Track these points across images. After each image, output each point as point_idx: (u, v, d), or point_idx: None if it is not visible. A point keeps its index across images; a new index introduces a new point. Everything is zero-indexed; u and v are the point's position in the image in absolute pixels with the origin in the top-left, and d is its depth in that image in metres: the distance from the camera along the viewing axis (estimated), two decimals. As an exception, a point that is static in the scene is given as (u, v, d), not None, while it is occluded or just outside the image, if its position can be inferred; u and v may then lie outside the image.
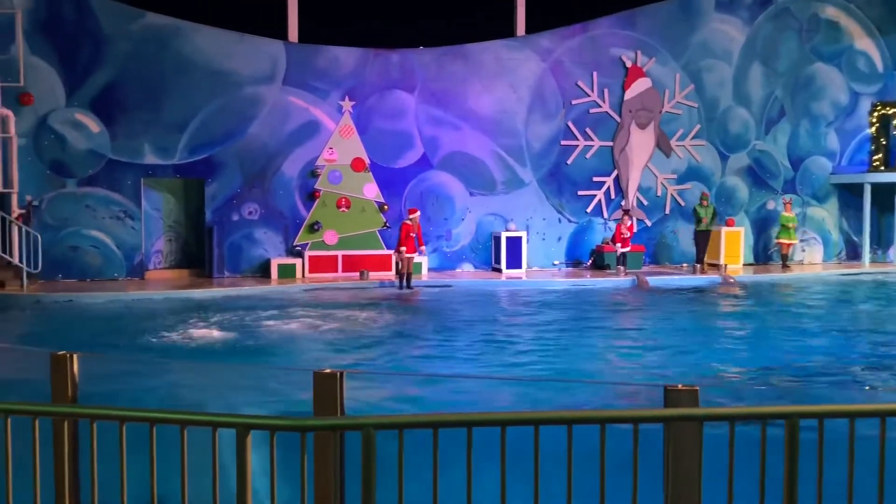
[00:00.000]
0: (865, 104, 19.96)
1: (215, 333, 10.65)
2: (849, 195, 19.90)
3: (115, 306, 13.32)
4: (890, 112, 19.45)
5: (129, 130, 15.81)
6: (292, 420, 2.73)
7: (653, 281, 16.24)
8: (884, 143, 19.36)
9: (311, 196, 16.78)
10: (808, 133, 19.80)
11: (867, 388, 7.93)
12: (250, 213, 16.53)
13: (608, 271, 17.50)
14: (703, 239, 18.04)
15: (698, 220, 18.00)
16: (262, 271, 16.41)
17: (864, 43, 20.02)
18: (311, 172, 16.78)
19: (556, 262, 18.33)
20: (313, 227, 16.70)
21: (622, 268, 17.33)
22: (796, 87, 19.66)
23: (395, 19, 17.89)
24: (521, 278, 16.76)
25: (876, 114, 19.61)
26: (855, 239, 19.96)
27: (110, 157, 15.76)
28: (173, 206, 16.87)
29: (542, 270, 17.88)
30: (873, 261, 19.42)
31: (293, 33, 16.99)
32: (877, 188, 19.24)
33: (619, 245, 17.36)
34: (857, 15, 19.94)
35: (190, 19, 16.08)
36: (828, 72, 19.80)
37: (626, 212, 18.08)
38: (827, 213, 20.03)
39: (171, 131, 16.02)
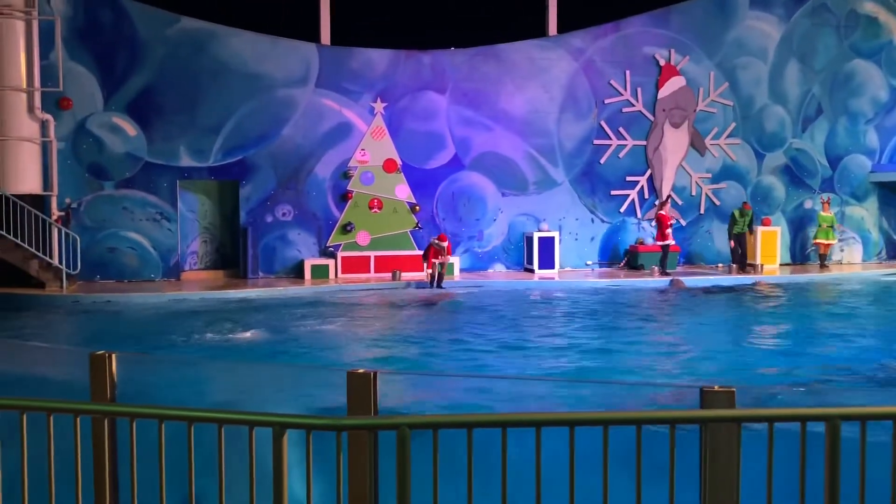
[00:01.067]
0: (906, 101, 19.55)
1: (250, 334, 10.76)
2: (889, 193, 19.51)
3: (153, 307, 13.53)
4: (932, 108, 19.02)
5: (165, 133, 16.05)
6: (328, 419, 2.75)
7: (689, 281, 16.02)
8: (925, 140, 18.94)
9: (343, 197, 16.88)
10: (846, 131, 19.44)
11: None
12: (284, 214, 16.68)
13: (643, 271, 17.34)
14: (737, 242, 17.72)
15: (732, 224, 17.66)
16: (296, 272, 16.54)
17: (905, 38, 19.61)
18: (344, 174, 16.88)
19: (589, 263, 18.22)
20: (346, 228, 16.80)
21: (656, 268, 17.16)
22: (834, 85, 19.31)
23: (427, 20, 17.92)
24: (553, 279, 16.68)
25: (917, 110, 19.19)
26: (895, 238, 19.55)
27: (147, 159, 16.01)
28: (208, 208, 17.08)
29: (574, 271, 17.78)
30: (915, 261, 19.01)
31: (325, 36, 17.11)
32: (918, 186, 18.84)
33: (669, 233, 16.81)
34: (897, 10, 19.54)
35: (224, 23, 16.28)
36: (867, 68, 19.43)
37: (669, 197, 17.70)
38: (866, 212, 19.64)
39: (206, 134, 16.23)
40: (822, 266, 18.09)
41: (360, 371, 4.33)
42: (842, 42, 19.28)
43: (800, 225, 19.10)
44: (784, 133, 19.11)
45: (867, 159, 19.60)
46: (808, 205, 19.17)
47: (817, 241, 18.35)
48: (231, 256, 17.02)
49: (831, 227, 18.20)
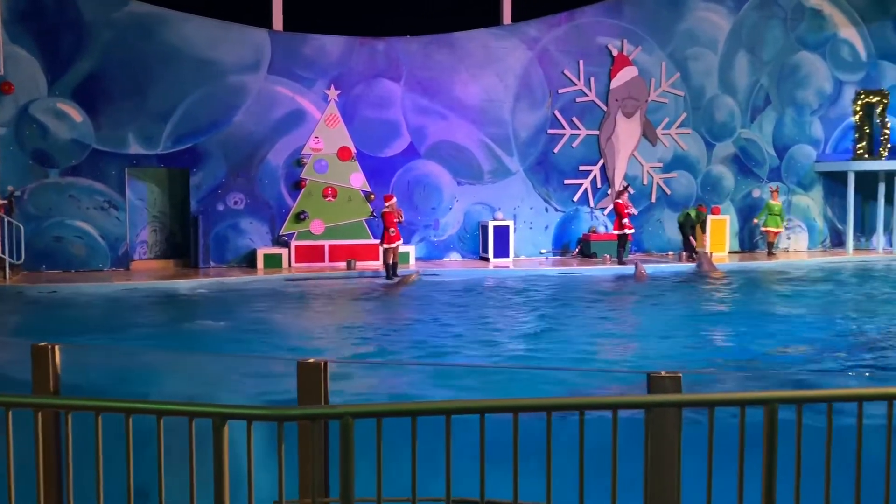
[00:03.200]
0: (849, 92, 20.05)
1: (200, 323, 10.61)
2: (833, 183, 20.02)
3: (101, 297, 13.23)
4: (873, 100, 19.55)
5: (113, 120, 15.67)
6: (269, 409, 2.72)
7: (649, 269, 16.16)
8: (867, 131, 19.47)
9: (297, 185, 16.71)
10: (793, 121, 19.88)
11: (851, 373, 7.99)
12: (236, 202, 16.45)
13: (595, 259, 17.53)
14: (688, 231, 18.00)
15: (687, 220, 17.93)
16: (248, 261, 16.34)
17: (848, 32, 20.10)
18: (297, 161, 16.70)
19: (543, 251, 18.35)
20: (299, 217, 16.63)
21: (608, 256, 17.36)
22: (781, 76, 19.72)
23: (381, 7, 17.79)
24: (508, 267, 16.77)
25: (860, 102, 19.71)
26: (839, 226, 20.09)
27: (94, 146, 15.62)
28: (158, 196, 16.75)
29: (529, 259, 17.90)
30: (857, 248, 19.56)
31: (278, 22, 16.87)
32: (860, 176, 19.36)
33: (626, 222, 16.95)
34: (841, 4, 20.00)
35: (174, 7, 15.93)
36: (812, 60, 19.88)
37: (627, 186, 17.87)
38: (812, 201, 20.14)
39: (155, 121, 15.89)
40: (770, 254, 18.50)
41: (310, 361, 4.30)
42: (788, 34, 19.68)
43: (749, 213, 19.49)
44: (733, 123, 19.46)
45: (813, 149, 20.08)
46: (756, 194, 19.57)
47: (766, 229, 18.75)
48: (182, 246, 16.73)
49: (779, 215, 18.60)
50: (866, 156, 19.39)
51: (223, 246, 16.40)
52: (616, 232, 17.26)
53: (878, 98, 19.57)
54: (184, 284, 14.25)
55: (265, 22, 16.70)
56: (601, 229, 18.45)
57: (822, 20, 19.88)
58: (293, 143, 16.68)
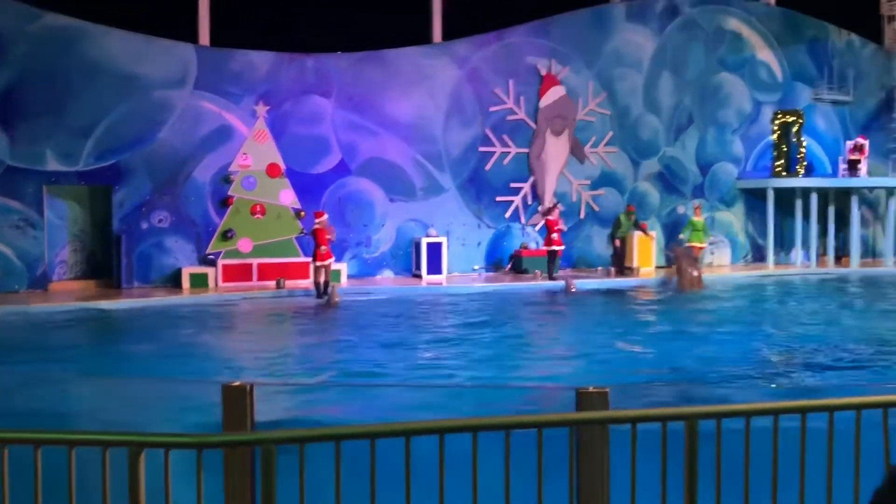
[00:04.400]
0: (767, 112, 20.86)
1: (122, 346, 10.25)
2: (754, 199, 20.73)
3: (16, 319, 12.66)
4: (790, 120, 20.37)
5: (30, 135, 15.09)
6: (187, 437, 2.62)
7: (578, 284, 16.36)
8: (785, 149, 20.26)
9: (224, 203, 16.38)
10: (714, 140, 20.54)
11: (773, 385, 8.23)
12: (160, 220, 16.01)
13: (527, 276, 17.70)
14: (621, 244, 18.36)
15: (617, 227, 18.32)
16: (173, 281, 15.90)
17: (765, 54, 20.94)
18: (225, 178, 16.38)
19: (476, 267, 18.43)
20: (226, 235, 16.28)
21: (539, 272, 17.54)
22: (704, 96, 20.38)
23: (311, 23, 17.69)
24: (441, 284, 16.77)
25: (777, 121, 20.51)
26: (760, 241, 20.79)
27: (9, 163, 15.00)
28: (78, 215, 16.18)
29: (462, 276, 17.94)
30: (777, 262, 20.27)
31: (205, 36, 16.59)
32: (779, 193, 20.11)
33: (556, 238, 17.15)
34: (758, 27, 20.84)
35: (94, 20, 15.49)
36: (732, 81, 20.61)
37: (555, 204, 18.09)
38: (734, 217, 20.81)
39: (75, 137, 15.37)
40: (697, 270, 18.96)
41: (236, 384, 4.18)
42: (710, 56, 20.38)
43: (674, 229, 19.98)
44: (658, 142, 19.99)
45: (734, 167, 20.78)
46: (680, 210, 20.10)
47: (689, 244, 19.22)
48: (103, 265, 16.17)
49: (702, 231, 19.12)
50: (784, 173, 20.16)
51: (147, 265, 15.93)
52: (546, 248, 17.48)
53: (794, 118, 20.40)
54: (105, 305, 13.76)
55: (191, 37, 16.39)
56: (532, 245, 18.66)
57: (741, 42, 20.67)
58: (220, 159, 16.37)
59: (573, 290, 15.83)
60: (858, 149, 20.40)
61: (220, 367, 9.20)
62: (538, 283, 16.77)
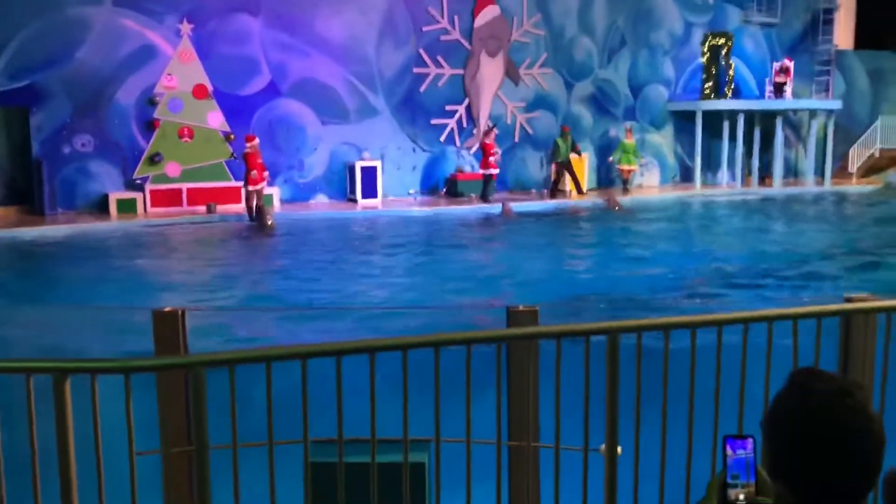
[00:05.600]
0: (698, 34, 21.02)
1: (47, 274, 9.99)
2: (683, 121, 21.08)
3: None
4: (719, 42, 20.60)
5: (-65, 54, 14.19)
6: (113, 362, 2.61)
7: (515, 207, 16.50)
8: (714, 71, 20.55)
9: (149, 126, 15.82)
10: (646, 62, 20.66)
11: (698, 301, 8.57)
12: (83, 144, 15.40)
13: (462, 199, 17.77)
14: (561, 168, 18.50)
15: (556, 151, 18.43)
16: (100, 207, 15.43)
17: (698, -25, 20.95)
18: (150, 100, 15.78)
19: (411, 192, 18.39)
20: (153, 159, 15.79)
21: (475, 196, 17.63)
22: (636, 17, 20.37)
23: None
24: (377, 208, 16.71)
25: (707, 44, 20.72)
26: (688, 163, 21.26)
27: (-87, 83, 14.13)
28: (-6, 139, 15.43)
29: (397, 200, 17.90)
30: (704, 183, 20.81)
31: (121, -52, 15.67)
32: (707, 115, 20.48)
33: (492, 161, 17.22)
34: (692, -53, 20.77)
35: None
36: (663, 2, 20.62)
37: (492, 127, 18.06)
38: (663, 139, 21.16)
39: (-16, 55, 14.52)
40: (625, 190, 19.36)
41: (167, 310, 4.15)
42: (643, -24, 20.26)
43: (606, 152, 20.23)
44: (591, 63, 20.00)
45: (665, 89, 21.01)
46: (612, 133, 20.32)
47: (620, 166, 19.57)
48: (24, 191, 15.55)
49: (633, 153, 19.43)
50: (713, 96, 20.50)
51: (71, 191, 15.39)
52: (482, 171, 17.53)
53: (724, 40, 20.64)
54: (28, 233, 13.31)
55: (107, -52, 15.46)
56: (467, 169, 18.67)
57: (674, -37, 20.60)
58: (144, 80, 15.72)
59: (510, 213, 15.99)
60: (784, 71, 20.84)
61: (152, 293, 9.07)
62: (474, 207, 16.87)
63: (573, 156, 18.80)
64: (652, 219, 15.83)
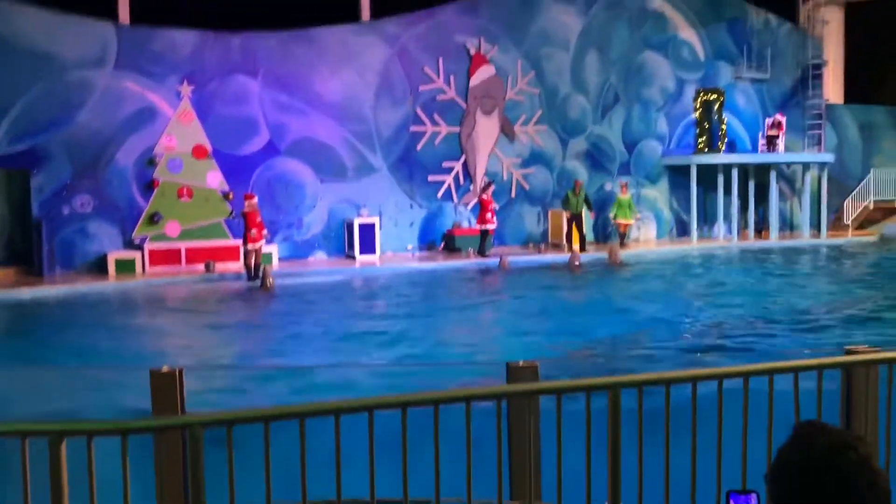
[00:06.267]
0: (690, 90, 21.39)
1: (43, 335, 9.94)
2: (677, 176, 21.29)
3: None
4: (711, 98, 20.95)
5: (-62, 118, 14.38)
6: (110, 423, 2.59)
7: (512, 261, 16.52)
8: (707, 126, 20.85)
9: (149, 186, 15.95)
10: (640, 118, 20.97)
11: (698, 354, 8.53)
12: (82, 205, 15.50)
13: (460, 254, 17.82)
14: (574, 222, 18.53)
15: (567, 204, 18.49)
16: (99, 267, 15.45)
17: (687, 33, 21.45)
18: (149, 161, 15.95)
19: (409, 247, 18.45)
20: (153, 219, 15.88)
21: (472, 250, 17.70)
22: (629, 74, 20.76)
23: (236, 1, 17.25)
24: (375, 264, 16.75)
25: (699, 99, 21.07)
26: (684, 217, 21.39)
27: (-84, 147, 14.28)
28: (-6, 200, 15.54)
29: (396, 255, 17.95)
30: (700, 237, 20.91)
31: (124, 14, 16.05)
32: (702, 169, 20.70)
33: (489, 217, 17.36)
34: (680, 7, 21.31)
35: (4, -3, 14.80)
36: (656, 60, 21.05)
37: (489, 183, 18.20)
38: (659, 193, 21.34)
39: (-13, 118, 14.72)
40: (623, 244, 19.42)
41: (165, 369, 4.12)
42: (634, 35, 20.75)
43: (602, 206, 20.37)
44: (585, 120, 20.30)
45: (658, 144, 21.28)
46: (608, 187, 20.50)
47: (617, 220, 19.68)
48: (24, 252, 15.59)
49: (629, 207, 19.57)
50: (706, 150, 20.76)
51: (70, 251, 15.42)
52: (479, 226, 17.63)
53: (716, 96, 20.99)
54: (25, 293, 13.29)
55: (110, 14, 15.82)
56: (465, 224, 18.78)
57: (664, 22, 21.10)
58: (144, 141, 15.92)
59: (507, 266, 16.01)
60: (776, 125, 21.14)
61: (150, 353, 9.02)
62: (471, 261, 16.91)
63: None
64: (650, 273, 15.86)
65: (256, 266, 14.67)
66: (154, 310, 12.21)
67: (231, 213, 16.33)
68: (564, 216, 18.74)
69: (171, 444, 3.80)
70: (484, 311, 12.02)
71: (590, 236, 19.96)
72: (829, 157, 21.72)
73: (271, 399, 6.01)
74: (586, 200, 18.61)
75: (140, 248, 15.67)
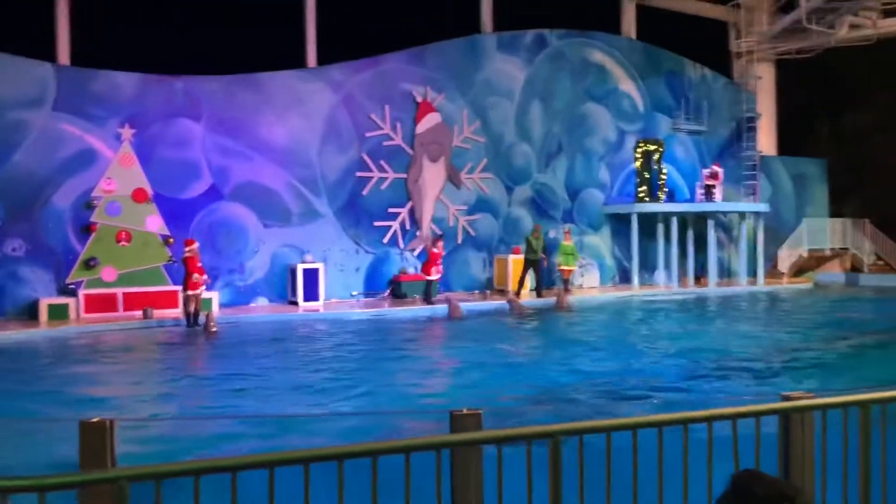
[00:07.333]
0: (630, 141, 21.97)
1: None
2: (619, 224, 21.70)
3: None
4: (651, 148, 21.53)
5: None
6: (27, 480, 2.44)
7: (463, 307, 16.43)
8: (647, 176, 21.38)
9: (86, 229, 15.53)
10: (582, 167, 21.41)
11: (643, 400, 8.57)
12: (14, 249, 14.99)
13: (406, 300, 17.74)
14: (531, 267, 18.67)
15: (529, 249, 18.65)
16: (30, 313, 14.89)
17: (628, 85, 22.11)
18: (87, 204, 15.56)
19: (354, 293, 18.30)
20: (89, 264, 15.42)
21: (418, 297, 17.64)
22: (572, 125, 21.23)
23: (180, 45, 17.14)
24: (319, 311, 16.53)
25: (640, 150, 21.63)
26: (626, 264, 21.76)
27: None
28: (-81, 243, 14.91)
29: (340, 302, 17.76)
30: (642, 283, 21.26)
31: (64, 56, 15.79)
32: (642, 217, 21.15)
33: (435, 269, 17.42)
34: (621, 60, 21.99)
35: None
36: (598, 111, 21.60)
37: (440, 236, 18.23)
38: (601, 241, 21.69)
39: (-85, 159, 14.21)
40: (566, 290, 19.61)
41: (94, 420, 3.94)
42: (576, 86, 21.29)
43: (546, 253, 20.54)
44: (530, 168, 20.62)
45: (600, 193, 21.71)
46: (552, 234, 20.76)
47: (561, 267, 19.89)
48: (-51, 298, 14.95)
49: (572, 254, 19.83)
50: (647, 199, 21.24)
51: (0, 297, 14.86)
52: (426, 277, 17.60)
53: (655, 147, 21.59)
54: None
55: (49, 55, 15.56)
56: (411, 271, 18.74)
57: (605, 74, 21.73)
58: (82, 184, 15.55)
59: (458, 310, 15.87)
60: (713, 175, 21.80)
61: (80, 403, 8.66)
62: (418, 308, 16.83)
63: (515, 257, 19.08)
64: (594, 319, 16.01)
65: (196, 313, 14.33)
66: (86, 358, 11.77)
67: (171, 258, 15.97)
68: (520, 260, 18.92)
69: (96, 500, 3.62)
70: (430, 358, 11.91)
71: (532, 282, 20.09)
72: (764, 207, 22.44)
73: (205, 451, 5.80)
74: (544, 248, 18.83)
75: (74, 293, 15.18)
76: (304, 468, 2.63)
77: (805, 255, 24.01)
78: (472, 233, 19.77)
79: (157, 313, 15.23)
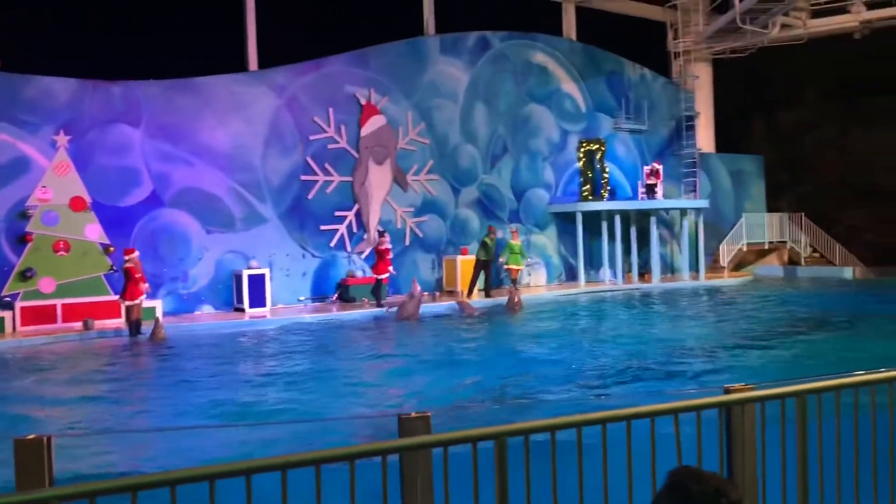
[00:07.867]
0: (574, 141, 22.25)
1: None
2: (564, 223, 21.95)
3: None
4: (593, 148, 21.83)
5: None
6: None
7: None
8: (590, 175, 21.68)
9: (21, 240, 15.05)
10: (527, 167, 21.60)
11: (593, 397, 8.67)
12: (-56, 262, 14.45)
13: (354, 303, 17.63)
14: (483, 268, 18.75)
15: (485, 250, 18.71)
16: (-37, 328, 14.36)
17: (570, 87, 22.39)
18: (22, 214, 15.08)
19: (301, 298, 18.12)
20: (25, 275, 14.94)
21: (366, 299, 17.55)
22: (515, 126, 21.40)
23: (117, 49, 16.75)
24: (265, 317, 16.32)
25: (582, 149, 21.92)
26: (572, 261, 22.02)
27: None
28: None
29: (288, 307, 17.57)
30: (588, 280, 21.54)
31: (-6, 60, 15.28)
32: (587, 216, 21.44)
33: (390, 268, 17.36)
34: (563, 62, 22.25)
35: None
36: (541, 112, 21.82)
37: (382, 233, 18.12)
38: (547, 240, 21.92)
39: None
40: (514, 289, 19.71)
41: (30, 437, 3.82)
42: (519, 88, 21.46)
43: (493, 253, 20.66)
44: (476, 169, 20.72)
45: (545, 192, 21.93)
46: (499, 234, 20.88)
47: (508, 266, 20.02)
48: None
49: (519, 253, 19.97)
50: (590, 197, 21.54)
51: (-71, 312, 14.28)
52: (376, 276, 17.46)
53: (598, 146, 21.90)
54: None
55: (-22, 60, 15.04)
56: (359, 274, 18.64)
57: (547, 76, 21.96)
58: (16, 193, 15.06)
59: (470, 311, 15.88)
60: (654, 173, 22.22)
61: (16, 420, 8.38)
62: (367, 311, 16.75)
63: (465, 258, 19.18)
64: (544, 317, 16.14)
65: (138, 322, 14.01)
66: (22, 372, 11.40)
67: (111, 267, 15.57)
68: (470, 261, 19.03)
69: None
70: (380, 362, 11.86)
71: (480, 282, 20.17)
72: (704, 203, 22.96)
73: (151, 465, 5.67)
74: (495, 248, 19.01)
75: (10, 306, 14.69)
76: (245, 479, 2.58)
77: (745, 249, 24.66)
78: (420, 234, 19.77)
79: (99, 324, 14.85)
